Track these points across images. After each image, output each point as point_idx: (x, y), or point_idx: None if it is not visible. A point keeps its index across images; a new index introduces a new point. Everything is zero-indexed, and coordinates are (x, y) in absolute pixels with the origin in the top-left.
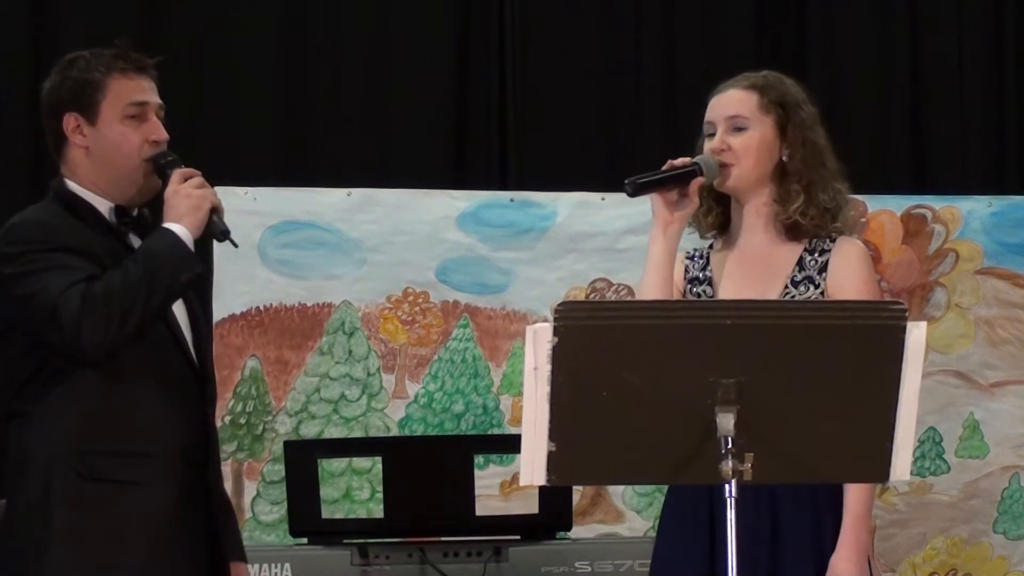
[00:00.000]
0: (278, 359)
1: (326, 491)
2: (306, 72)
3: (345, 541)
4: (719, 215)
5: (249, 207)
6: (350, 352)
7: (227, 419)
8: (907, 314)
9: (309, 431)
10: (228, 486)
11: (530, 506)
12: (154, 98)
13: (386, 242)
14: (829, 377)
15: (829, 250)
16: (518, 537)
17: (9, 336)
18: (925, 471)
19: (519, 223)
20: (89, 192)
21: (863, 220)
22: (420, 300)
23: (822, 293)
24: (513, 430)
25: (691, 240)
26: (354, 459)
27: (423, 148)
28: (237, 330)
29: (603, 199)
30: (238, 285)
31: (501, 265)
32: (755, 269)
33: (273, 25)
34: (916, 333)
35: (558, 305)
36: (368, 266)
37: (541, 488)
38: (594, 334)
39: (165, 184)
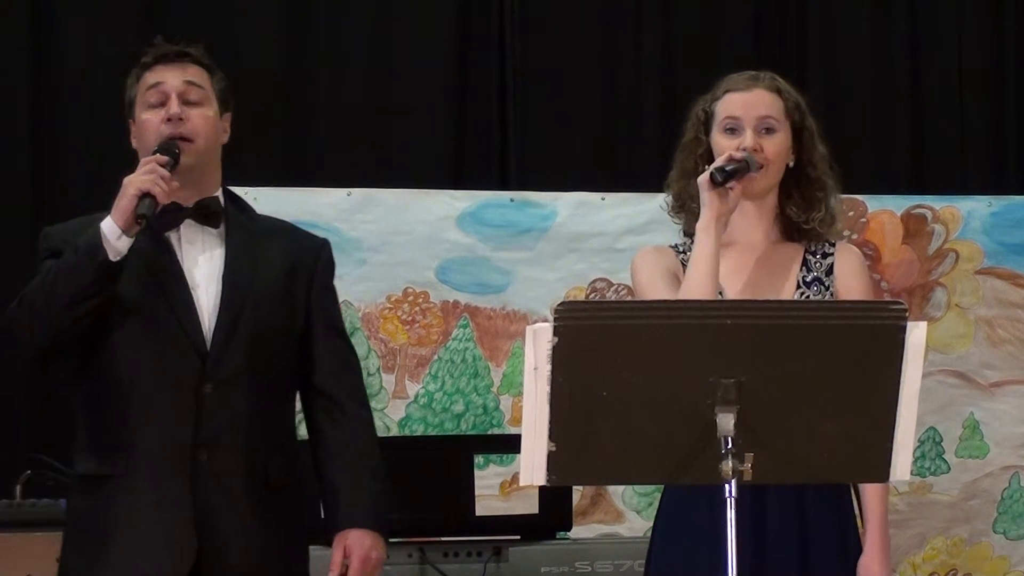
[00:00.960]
0: None
1: None
2: (306, 72)
3: None
4: None
5: None
6: None
7: None
8: (907, 314)
9: None
10: None
11: (530, 506)
12: (172, 79)
13: (386, 242)
14: (829, 377)
15: (831, 253)
16: (518, 537)
17: None
18: (925, 471)
19: (519, 223)
20: None
21: (863, 220)
22: (420, 300)
23: (832, 296)
24: (513, 430)
25: (667, 235)
26: None
27: (423, 148)
28: None
29: (603, 199)
30: None
31: (501, 265)
32: (758, 267)
33: (274, 25)
34: (916, 333)
35: (558, 305)
36: (368, 266)
37: (541, 488)
38: (594, 334)
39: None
